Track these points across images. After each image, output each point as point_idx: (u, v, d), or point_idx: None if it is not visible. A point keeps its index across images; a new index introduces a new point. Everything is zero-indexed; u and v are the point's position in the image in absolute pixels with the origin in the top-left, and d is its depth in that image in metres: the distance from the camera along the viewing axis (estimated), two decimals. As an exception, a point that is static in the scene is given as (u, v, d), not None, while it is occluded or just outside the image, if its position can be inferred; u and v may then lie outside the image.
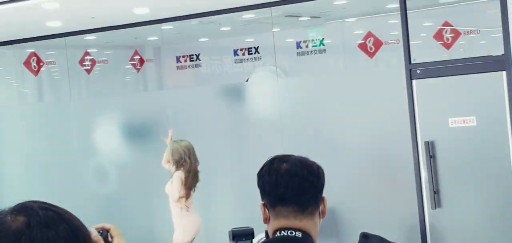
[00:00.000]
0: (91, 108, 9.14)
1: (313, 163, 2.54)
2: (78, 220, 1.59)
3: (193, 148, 7.28)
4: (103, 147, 9.01)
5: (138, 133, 8.79)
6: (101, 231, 1.71)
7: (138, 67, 9.47)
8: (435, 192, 7.08)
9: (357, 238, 7.29)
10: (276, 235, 2.45)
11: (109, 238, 1.73)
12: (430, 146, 7.11)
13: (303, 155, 2.62)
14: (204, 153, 8.05)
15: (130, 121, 8.90)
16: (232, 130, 8.33)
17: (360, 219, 7.47)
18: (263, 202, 2.51)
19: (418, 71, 7.21)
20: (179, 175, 7.11)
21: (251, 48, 8.76)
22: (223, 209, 7.94)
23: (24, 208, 1.52)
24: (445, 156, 7.10)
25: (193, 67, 9.23)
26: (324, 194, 2.54)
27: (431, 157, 7.10)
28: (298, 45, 8.41)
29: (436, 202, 7.08)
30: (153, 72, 9.75)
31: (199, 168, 7.30)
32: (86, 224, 1.72)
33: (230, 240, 2.95)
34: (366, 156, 7.58)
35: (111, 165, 8.94)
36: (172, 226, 7.53)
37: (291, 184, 2.43)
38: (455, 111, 7.07)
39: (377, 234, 7.14)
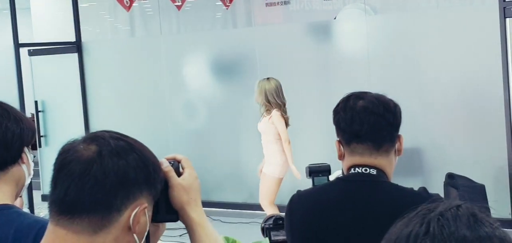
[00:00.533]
0: (181, 44, 9.24)
1: (390, 100, 2.52)
2: (149, 151, 1.62)
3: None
4: (192, 83, 9.13)
5: (227, 69, 8.86)
6: (172, 162, 1.73)
7: (227, 4, 9.51)
8: (526, 134, 6.90)
9: (443, 178, 7.25)
10: (351, 172, 2.45)
11: (181, 169, 1.75)
12: (522, 87, 6.91)
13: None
14: (292, 91, 8.05)
15: (219, 58, 8.97)
16: (320, 68, 8.29)
17: (447, 159, 7.36)
18: (338, 139, 2.51)
19: (513, 9, 6.97)
20: (279, 114, 7.09)
21: (341, -16, 8.70)
22: (311, 146, 7.96)
23: (96, 137, 1.57)
24: (537, 96, 6.89)
25: (282, 4, 9.23)
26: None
27: (523, 98, 6.90)
28: (390, -18, 8.30)
29: (526, 144, 6.90)
30: (242, 9, 9.79)
31: (287, 105, 7.28)
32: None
33: (307, 176, 2.97)
34: (456, 96, 7.42)
35: (200, 101, 9.06)
36: (257, 161, 7.60)
37: (367, 121, 2.42)
38: (550, 51, 6.83)
39: (464, 175, 7.08)
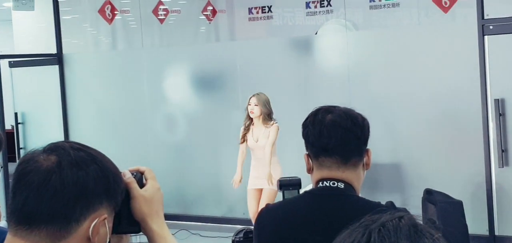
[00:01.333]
0: (163, 57, 9.24)
1: (358, 114, 2.53)
2: (110, 162, 1.62)
3: None
4: (173, 96, 9.13)
5: (208, 83, 8.87)
6: (135, 173, 1.73)
7: (210, 18, 9.51)
8: (503, 151, 6.94)
9: (421, 194, 7.27)
10: (319, 186, 2.47)
11: (144, 181, 1.75)
12: (500, 104, 6.96)
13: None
14: (272, 104, 8.07)
15: (200, 71, 8.98)
16: (301, 82, 8.32)
17: (425, 174, 7.40)
18: (307, 152, 2.52)
19: (491, 27, 7.04)
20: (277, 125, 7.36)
21: (323, 1, 8.69)
22: (290, 160, 7.96)
23: (56, 148, 1.57)
24: (515, 114, 6.95)
25: (264, 19, 9.22)
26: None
27: (501, 115, 6.95)
28: (371, -1, 8.32)
29: (504, 160, 6.94)
30: (225, 23, 9.78)
31: None
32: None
33: (278, 189, 2.98)
34: (434, 112, 7.47)
35: (181, 114, 9.05)
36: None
37: (335, 135, 2.43)
38: (528, 69, 6.89)
39: (442, 191, 7.11)
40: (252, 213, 7.45)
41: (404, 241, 1.03)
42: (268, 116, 7.42)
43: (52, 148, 1.57)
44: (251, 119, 7.49)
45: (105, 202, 1.56)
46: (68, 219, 1.50)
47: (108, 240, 1.58)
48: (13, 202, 1.53)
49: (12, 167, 2.39)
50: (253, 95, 7.49)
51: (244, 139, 7.53)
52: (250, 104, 7.46)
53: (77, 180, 1.52)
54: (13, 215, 1.52)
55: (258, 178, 7.46)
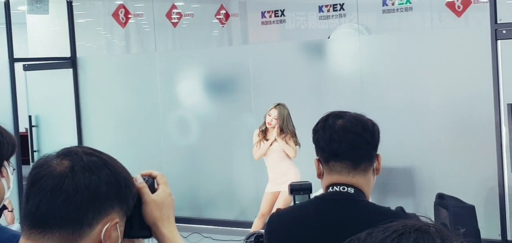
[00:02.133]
0: (176, 61, 9.27)
1: (369, 120, 2.54)
2: (122, 166, 1.64)
3: None
4: (186, 100, 9.15)
5: (221, 86, 8.88)
6: (146, 178, 1.75)
7: (223, 22, 9.56)
8: (516, 156, 6.93)
9: (433, 198, 7.26)
10: (329, 190, 2.48)
11: (156, 185, 1.77)
12: (513, 109, 6.94)
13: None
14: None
15: (213, 75, 9.00)
16: (313, 87, 8.32)
17: (437, 179, 7.38)
18: (317, 157, 2.54)
19: (504, 31, 7.02)
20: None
21: (336, 4, 8.72)
22: (302, 164, 7.98)
23: (69, 153, 1.59)
24: (528, 119, 6.93)
25: (277, 23, 9.25)
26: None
27: (514, 119, 6.94)
28: (384, 2, 8.33)
29: (517, 165, 6.93)
30: (238, 26, 9.83)
31: None
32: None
33: (288, 194, 3.00)
34: (447, 116, 7.46)
35: (194, 117, 9.07)
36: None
37: (345, 140, 2.45)
38: (541, 73, 6.87)
39: (454, 195, 7.09)
40: (260, 213, 7.42)
41: None
42: (281, 130, 7.28)
43: (65, 153, 1.60)
44: (263, 130, 7.39)
45: (117, 207, 1.59)
46: (80, 223, 1.52)
47: None
48: (26, 206, 1.55)
49: (26, 170, 2.41)
50: (275, 106, 7.31)
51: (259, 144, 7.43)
52: (270, 115, 7.30)
53: (90, 184, 1.54)
54: (26, 219, 1.55)
55: (273, 182, 7.42)
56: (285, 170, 7.30)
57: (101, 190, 1.55)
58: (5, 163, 2.35)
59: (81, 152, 1.60)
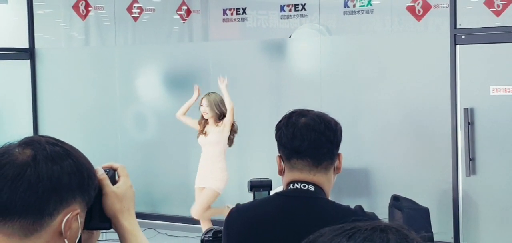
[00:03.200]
0: (136, 55, 9.22)
1: (332, 119, 2.56)
2: (84, 157, 1.64)
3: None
4: (144, 95, 9.11)
5: (181, 82, 8.85)
6: (108, 170, 1.74)
7: (184, 18, 9.51)
8: (471, 159, 7.02)
9: (388, 200, 7.33)
10: (290, 188, 2.49)
11: (116, 178, 1.76)
12: (469, 113, 7.04)
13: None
14: (243, 106, 8.10)
15: (173, 71, 8.97)
16: (272, 85, 8.35)
17: (392, 181, 7.47)
18: (279, 154, 2.55)
19: (463, 37, 7.12)
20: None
21: (297, 4, 8.73)
22: (258, 162, 8.00)
23: (32, 142, 1.58)
24: (483, 123, 7.03)
25: (239, 21, 9.23)
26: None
27: (470, 124, 7.03)
28: (346, 4, 8.36)
29: (471, 169, 7.03)
30: (199, 23, 9.78)
31: (237, 121, 7.43)
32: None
33: (248, 190, 3.00)
34: (405, 118, 7.54)
35: (151, 113, 9.03)
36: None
37: (307, 138, 2.46)
38: (497, 79, 6.98)
39: (409, 197, 7.18)
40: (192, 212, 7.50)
41: None
42: (219, 118, 7.36)
43: (28, 142, 1.58)
44: (205, 119, 7.45)
45: (78, 197, 1.58)
46: (41, 213, 1.51)
47: (79, 236, 1.60)
48: (-13, 194, 1.53)
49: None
50: (204, 96, 7.47)
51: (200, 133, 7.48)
52: (202, 105, 7.44)
53: (52, 174, 1.53)
54: (-14, 207, 1.53)
55: (201, 177, 7.48)
56: (214, 169, 7.37)
57: (64, 180, 1.54)
58: None
59: (44, 141, 1.59)
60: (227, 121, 7.27)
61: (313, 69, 7.99)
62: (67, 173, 1.55)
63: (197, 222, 7.94)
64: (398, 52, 7.56)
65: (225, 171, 7.39)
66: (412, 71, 7.45)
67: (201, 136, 7.44)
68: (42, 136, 1.62)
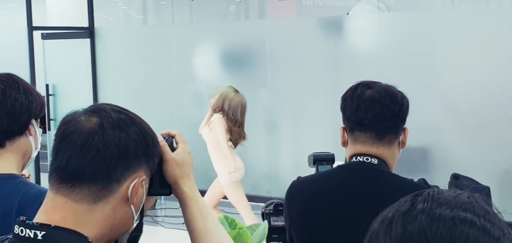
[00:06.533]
0: (193, 34, 9.25)
1: (398, 92, 2.52)
2: (148, 125, 1.66)
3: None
4: (201, 73, 9.15)
5: (237, 61, 8.86)
6: (166, 137, 1.77)
7: (241, -4, 9.52)
8: (534, 138, 6.89)
9: (447, 178, 7.24)
10: (352, 160, 2.47)
11: (175, 144, 1.79)
12: (533, 91, 6.90)
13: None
14: (300, 84, 8.08)
15: (229, 49, 8.98)
16: (329, 63, 8.28)
17: (452, 159, 7.35)
18: (343, 126, 2.53)
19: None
20: (219, 116, 7.12)
21: (355, -20, 8.67)
22: (316, 140, 7.97)
23: (98, 110, 1.60)
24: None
25: (296, -2, 9.22)
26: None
27: (534, 102, 6.89)
28: (405, -20, 8.29)
29: (533, 148, 6.89)
30: (255, 1, 9.78)
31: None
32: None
33: (309, 164, 2.99)
34: (465, 95, 7.40)
35: (209, 91, 9.05)
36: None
37: (371, 110, 2.43)
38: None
39: (469, 176, 7.07)
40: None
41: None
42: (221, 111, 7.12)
43: (94, 110, 1.61)
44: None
45: (144, 164, 1.60)
46: (109, 179, 1.53)
47: (144, 201, 1.63)
48: (55, 160, 1.56)
49: (42, 138, 2.43)
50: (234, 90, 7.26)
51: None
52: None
53: (119, 141, 1.55)
54: (55, 173, 1.55)
55: None
56: (215, 167, 7.28)
57: (130, 147, 1.56)
58: (33, 121, 2.37)
59: (109, 109, 1.61)
60: (214, 126, 7.10)
61: (371, 46, 7.90)
62: (134, 140, 1.57)
63: (253, 200, 7.96)
64: (458, 29, 7.41)
65: (220, 161, 7.18)
66: (474, 48, 7.29)
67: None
68: (107, 104, 1.64)
